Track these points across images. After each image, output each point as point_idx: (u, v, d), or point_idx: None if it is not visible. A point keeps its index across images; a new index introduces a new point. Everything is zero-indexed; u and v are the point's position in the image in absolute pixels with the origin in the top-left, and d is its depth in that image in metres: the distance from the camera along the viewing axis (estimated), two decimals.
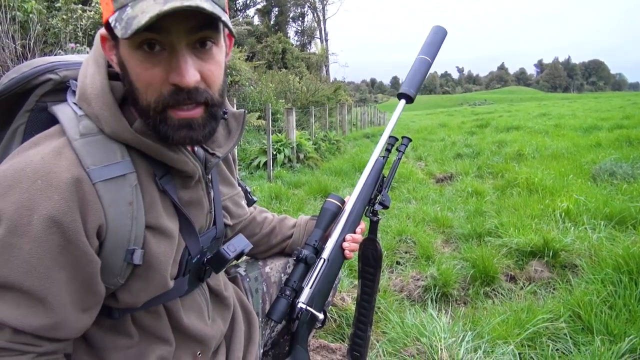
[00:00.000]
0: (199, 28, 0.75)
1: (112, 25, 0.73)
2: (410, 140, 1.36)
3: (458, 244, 3.44)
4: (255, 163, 7.31)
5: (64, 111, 0.81)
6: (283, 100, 13.88)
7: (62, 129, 0.79)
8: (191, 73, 0.75)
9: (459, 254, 3.14)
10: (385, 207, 1.26)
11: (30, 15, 6.91)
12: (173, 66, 0.75)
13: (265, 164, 7.04)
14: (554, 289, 2.53)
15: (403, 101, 1.33)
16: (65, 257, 0.74)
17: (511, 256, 2.95)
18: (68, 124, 0.79)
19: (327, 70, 41.92)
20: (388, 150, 1.33)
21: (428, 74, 1.37)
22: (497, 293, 2.56)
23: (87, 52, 0.89)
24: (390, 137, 1.33)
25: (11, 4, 6.31)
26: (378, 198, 1.27)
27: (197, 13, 0.70)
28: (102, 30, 0.81)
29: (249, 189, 1.22)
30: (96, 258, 0.78)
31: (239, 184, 1.18)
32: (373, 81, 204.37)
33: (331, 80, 34.17)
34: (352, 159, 7.94)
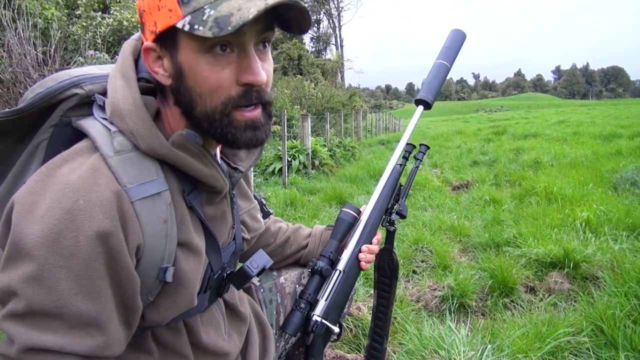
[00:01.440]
0: (265, 29, 0.77)
1: (190, 28, 0.71)
2: (428, 147, 1.33)
3: (475, 254, 3.38)
4: (270, 169, 7.32)
5: (94, 126, 0.79)
6: (298, 107, 13.92)
7: (93, 145, 0.77)
8: (262, 72, 0.77)
9: (477, 263, 3.09)
10: (403, 216, 1.23)
11: (51, 22, 7.04)
12: (244, 66, 0.76)
13: (280, 170, 7.04)
14: (575, 302, 2.47)
15: (421, 107, 1.30)
16: (113, 275, 0.72)
17: (530, 267, 2.89)
18: (101, 141, 0.77)
19: (342, 77, 41.98)
20: (405, 158, 1.30)
21: (447, 79, 1.34)
22: (516, 304, 2.50)
23: (106, 59, 0.88)
24: (407, 144, 1.30)
25: (32, 12, 6.43)
26: (395, 207, 1.24)
27: (265, 14, 0.71)
28: (148, 43, 0.78)
29: (264, 202, 1.21)
30: (137, 275, 0.76)
31: (255, 197, 1.17)
32: (388, 87, 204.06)
33: (346, 87, 34.21)
34: (367, 165, 7.91)
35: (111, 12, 10.11)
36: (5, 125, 0.82)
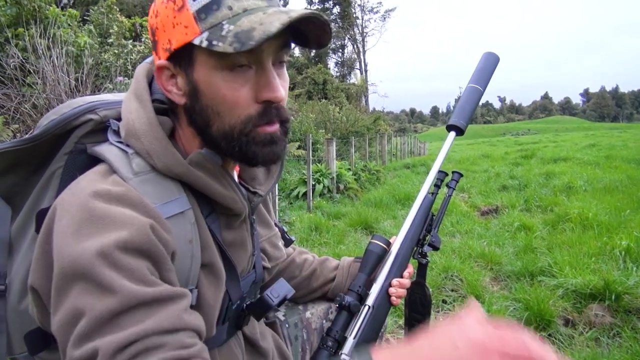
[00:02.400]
0: (283, 46, 0.75)
1: (208, 44, 0.68)
2: (461, 175, 1.26)
3: (508, 282, 3.24)
4: (294, 193, 7.29)
5: (110, 151, 0.77)
6: (323, 130, 13.95)
7: (110, 168, 0.74)
8: (281, 89, 0.75)
9: (510, 293, 2.95)
10: (436, 248, 1.16)
11: (84, 50, 7.26)
12: (262, 83, 0.74)
13: (305, 194, 7.00)
14: (619, 337, 2.31)
15: (453, 133, 1.23)
16: (169, 267, 0.69)
17: (568, 298, 2.74)
18: (119, 163, 0.74)
19: (367, 101, 42.17)
20: (437, 186, 1.23)
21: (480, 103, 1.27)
22: (554, 339, 2.36)
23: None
24: (439, 171, 1.23)
25: (66, 40, 6.66)
26: (427, 238, 1.16)
27: (283, 31, 0.68)
28: (162, 62, 0.75)
29: (285, 229, 1.16)
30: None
31: (275, 224, 1.12)
32: (412, 111, 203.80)
33: (370, 110, 34.29)
34: (393, 190, 7.81)
35: (142, 39, 10.42)
36: (20, 154, 0.79)
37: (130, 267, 0.63)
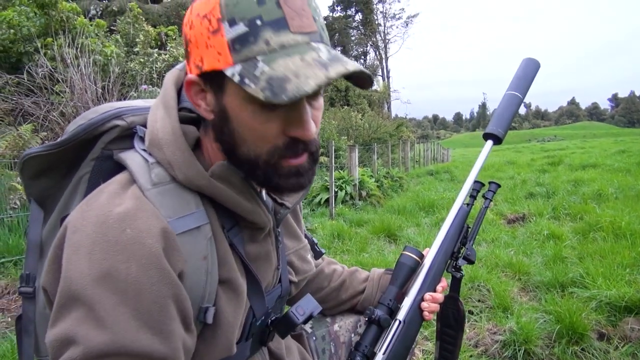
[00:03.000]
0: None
1: (240, 81, 0.65)
2: (499, 186, 1.21)
3: (537, 294, 3.14)
4: (317, 200, 7.27)
5: (133, 159, 0.76)
6: (345, 137, 13.91)
7: (131, 177, 0.73)
8: (312, 126, 0.71)
9: (540, 305, 2.85)
10: (471, 262, 1.11)
11: (110, 59, 7.41)
12: (293, 120, 0.70)
13: (327, 200, 6.97)
14: None
15: (490, 142, 1.19)
16: (170, 302, 0.66)
17: (602, 311, 2.63)
18: (139, 172, 0.73)
19: (389, 107, 41.99)
20: (473, 197, 1.18)
21: (518, 111, 1.22)
22: (587, 353, 2.27)
23: (159, 93, 0.84)
24: (475, 181, 1.18)
25: (94, 49, 6.80)
26: (462, 251, 1.12)
27: None
28: (192, 76, 0.72)
29: (315, 241, 1.12)
30: (187, 296, 0.70)
31: (305, 236, 1.09)
32: (435, 117, 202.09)
33: (393, 117, 34.10)
34: (416, 197, 7.71)
35: (167, 48, 10.59)
36: (49, 158, 0.80)
37: (131, 305, 0.62)
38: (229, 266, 0.78)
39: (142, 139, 0.79)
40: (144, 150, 0.77)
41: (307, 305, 0.84)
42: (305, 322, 0.84)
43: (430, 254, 1.07)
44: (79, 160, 0.81)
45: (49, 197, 0.84)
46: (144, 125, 0.81)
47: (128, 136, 0.82)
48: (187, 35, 0.72)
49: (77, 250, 0.64)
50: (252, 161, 0.73)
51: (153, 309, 0.63)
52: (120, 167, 0.77)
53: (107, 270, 0.62)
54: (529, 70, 1.23)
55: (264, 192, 0.90)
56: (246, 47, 0.65)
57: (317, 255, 1.12)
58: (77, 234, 0.65)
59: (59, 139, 0.80)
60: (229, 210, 0.79)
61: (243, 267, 0.82)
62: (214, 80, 0.71)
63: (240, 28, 0.65)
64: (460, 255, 1.11)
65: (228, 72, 0.66)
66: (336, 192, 7.24)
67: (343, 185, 7.54)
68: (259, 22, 0.64)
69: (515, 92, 1.20)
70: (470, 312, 2.82)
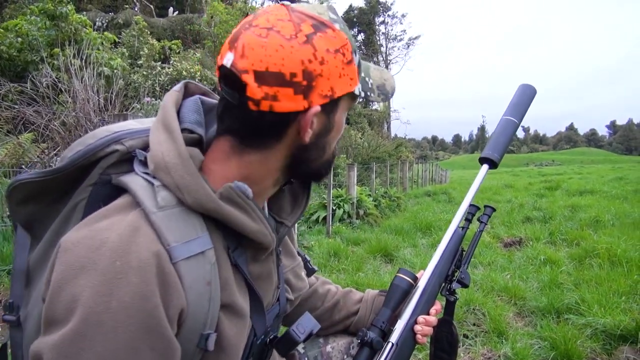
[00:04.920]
0: None
1: (365, 95, 0.85)
2: (493, 210, 1.22)
3: (533, 319, 3.13)
4: (314, 217, 7.25)
5: (136, 182, 0.74)
6: (344, 155, 13.96)
7: (134, 200, 0.72)
8: None
9: (536, 331, 2.84)
10: (465, 285, 1.11)
11: (115, 71, 7.47)
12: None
13: (324, 218, 6.96)
14: None
15: (486, 166, 1.20)
16: (149, 346, 0.64)
17: (597, 339, 2.62)
18: (143, 196, 0.71)
19: (389, 127, 42.20)
20: (468, 220, 1.19)
21: (514, 136, 1.24)
22: None
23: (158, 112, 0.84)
24: (470, 205, 1.19)
25: (100, 61, 6.85)
26: (456, 275, 1.12)
27: None
28: (316, 108, 0.75)
29: (308, 258, 1.12)
30: (178, 346, 0.68)
31: (298, 253, 1.09)
32: (434, 138, 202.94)
33: (392, 137, 34.25)
34: (413, 217, 7.71)
35: (170, 62, 10.68)
36: (45, 184, 0.77)
37: (99, 341, 0.61)
38: (230, 289, 0.77)
39: (142, 163, 0.78)
40: (146, 173, 0.76)
41: (307, 323, 0.84)
42: (305, 340, 0.83)
43: (424, 277, 1.08)
44: (74, 185, 0.79)
45: (37, 221, 0.81)
46: (143, 149, 0.80)
47: (127, 160, 0.80)
48: (315, 70, 0.73)
49: (64, 271, 0.63)
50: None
51: (121, 352, 0.61)
52: (119, 192, 0.75)
53: (86, 302, 0.61)
54: (526, 96, 1.25)
55: (266, 211, 0.90)
56: (360, 68, 0.83)
57: (310, 272, 1.12)
58: (67, 255, 0.65)
59: (55, 166, 0.78)
60: (234, 231, 0.78)
61: (246, 287, 0.82)
62: (332, 103, 0.78)
63: (357, 56, 0.81)
64: (454, 278, 1.11)
65: (356, 91, 0.81)
66: (334, 210, 7.23)
67: (341, 204, 7.54)
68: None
69: (511, 118, 1.21)
70: (465, 336, 2.80)
